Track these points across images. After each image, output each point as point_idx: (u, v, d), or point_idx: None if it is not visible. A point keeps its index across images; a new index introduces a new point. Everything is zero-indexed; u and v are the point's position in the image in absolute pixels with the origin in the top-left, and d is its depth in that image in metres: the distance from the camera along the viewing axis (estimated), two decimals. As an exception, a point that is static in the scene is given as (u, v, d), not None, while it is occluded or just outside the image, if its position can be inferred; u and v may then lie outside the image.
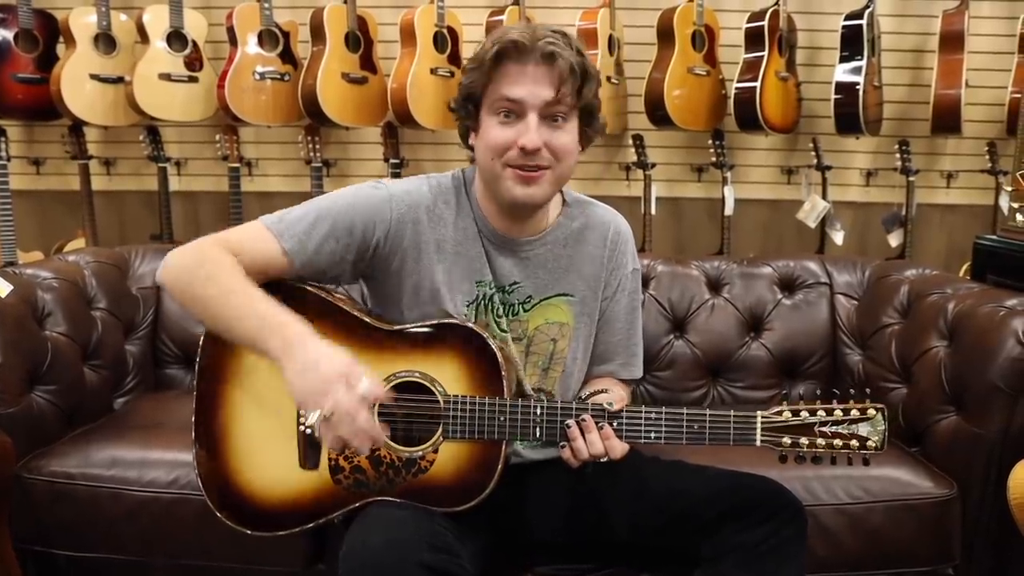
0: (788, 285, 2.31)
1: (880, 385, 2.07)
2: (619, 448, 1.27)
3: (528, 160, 1.29)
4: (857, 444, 1.27)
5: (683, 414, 1.28)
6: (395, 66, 3.03)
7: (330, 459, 1.32)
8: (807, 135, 3.28)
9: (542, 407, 1.28)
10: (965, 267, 3.19)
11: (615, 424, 1.28)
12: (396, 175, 3.09)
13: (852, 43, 3.10)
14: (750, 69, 3.12)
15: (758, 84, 3.08)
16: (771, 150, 3.40)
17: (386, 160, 3.12)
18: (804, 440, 1.28)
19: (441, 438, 1.30)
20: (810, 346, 2.25)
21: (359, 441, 1.17)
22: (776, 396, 2.25)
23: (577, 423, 1.27)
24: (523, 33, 1.27)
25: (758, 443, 1.28)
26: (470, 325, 1.32)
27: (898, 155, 3.21)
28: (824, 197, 3.24)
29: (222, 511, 1.37)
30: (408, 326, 1.35)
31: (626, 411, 1.29)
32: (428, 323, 1.34)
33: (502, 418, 1.28)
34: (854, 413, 1.28)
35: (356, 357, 1.23)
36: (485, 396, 1.29)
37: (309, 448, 1.32)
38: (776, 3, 3.12)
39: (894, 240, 3.27)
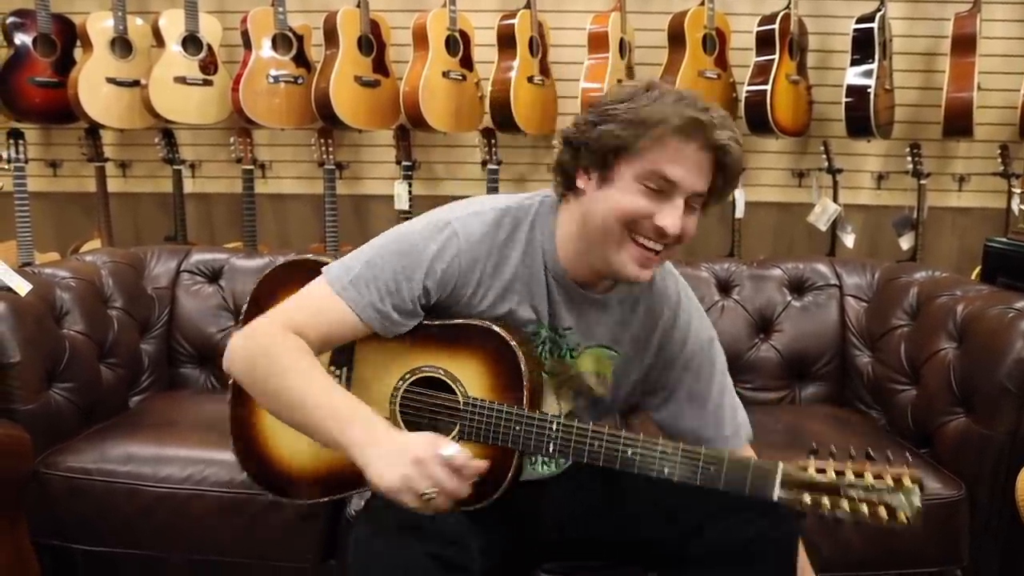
0: (798, 287, 2.33)
1: (889, 386, 2.08)
2: None
3: (657, 243, 1.24)
4: (885, 515, 1.15)
5: (700, 455, 1.22)
6: (407, 69, 3.05)
7: None
8: (818, 138, 3.28)
9: (558, 423, 1.26)
10: (977, 270, 3.18)
11: (629, 453, 1.23)
12: (408, 177, 3.12)
13: (863, 46, 3.10)
14: (761, 72, 3.13)
15: (769, 87, 3.09)
16: (782, 153, 3.41)
17: (398, 163, 3.15)
18: (826, 500, 1.16)
19: (457, 437, 1.31)
20: (819, 348, 2.26)
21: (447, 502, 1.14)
22: (786, 397, 2.27)
23: None
24: (705, 114, 1.20)
25: (775, 497, 1.18)
26: (498, 330, 1.31)
27: (909, 158, 3.21)
28: (835, 200, 3.25)
29: (256, 480, 1.44)
30: (439, 322, 1.33)
31: (642, 442, 1.24)
32: (460, 321, 1.33)
33: (517, 428, 1.27)
34: (888, 481, 1.15)
35: (385, 346, 1.30)
36: (504, 403, 1.29)
37: None
38: (787, 6, 3.13)
39: (905, 243, 3.27)
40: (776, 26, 3.11)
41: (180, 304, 2.31)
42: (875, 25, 3.07)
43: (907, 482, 1.15)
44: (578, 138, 1.26)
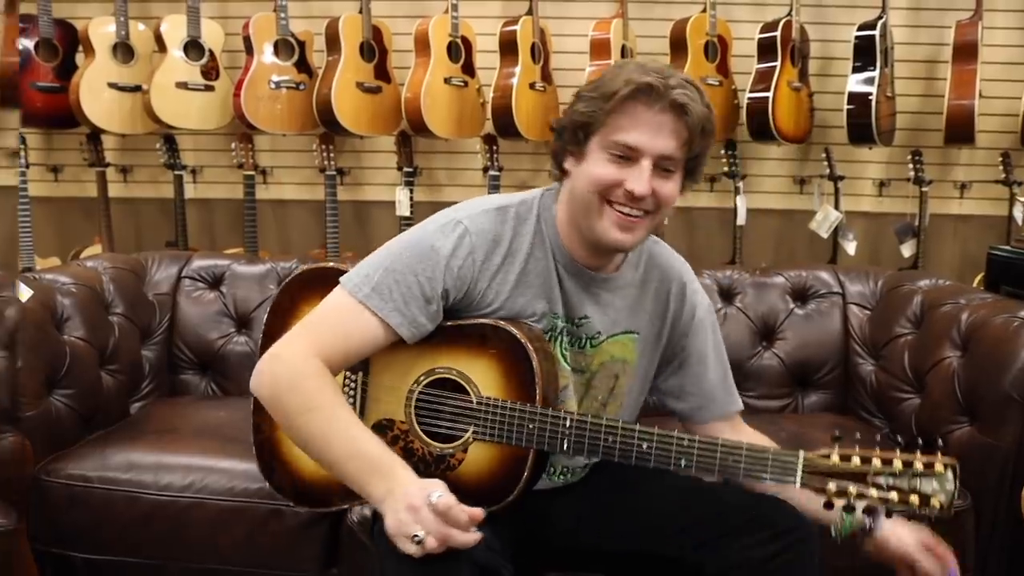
0: (800, 295, 2.32)
1: (893, 395, 2.07)
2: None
3: (632, 205, 1.26)
4: (918, 501, 1.12)
5: (718, 446, 1.22)
6: (409, 75, 3.05)
7: None
8: (819, 145, 3.27)
9: (571, 418, 1.27)
10: (979, 278, 3.18)
11: (644, 447, 1.24)
12: (409, 184, 3.11)
13: (865, 53, 3.10)
14: (763, 79, 3.13)
15: (771, 94, 3.09)
16: (783, 160, 3.40)
17: (399, 169, 3.14)
18: (853, 489, 1.13)
19: (471, 438, 1.32)
20: (822, 356, 2.25)
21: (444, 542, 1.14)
22: (788, 405, 2.26)
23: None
24: (657, 77, 1.22)
25: (798, 485, 1.18)
26: (510, 328, 1.31)
27: (911, 165, 3.20)
28: (836, 207, 3.24)
29: (274, 487, 1.46)
30: (452, 322, 1.34)
31: (657, 434, 1.25)
32: (472, 321, 1.33)
33: (531, 425, 1.27)
34: (917, 466, 1.13)
35: (399, 348, 1.30)
36: (518, 402, 1.30)
37: None
38: (789, 13, 3.13)
39: (907, 250, 3.26)
40: (778, 33, 3.11)
41: (181, 310, 2.30)
42: (876, 32, 3.07)
43: (939, 467, 1.13)
44: (560, 123, 1.32)
